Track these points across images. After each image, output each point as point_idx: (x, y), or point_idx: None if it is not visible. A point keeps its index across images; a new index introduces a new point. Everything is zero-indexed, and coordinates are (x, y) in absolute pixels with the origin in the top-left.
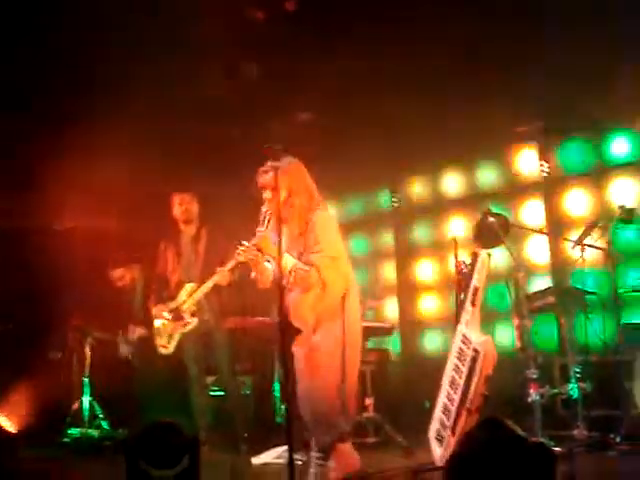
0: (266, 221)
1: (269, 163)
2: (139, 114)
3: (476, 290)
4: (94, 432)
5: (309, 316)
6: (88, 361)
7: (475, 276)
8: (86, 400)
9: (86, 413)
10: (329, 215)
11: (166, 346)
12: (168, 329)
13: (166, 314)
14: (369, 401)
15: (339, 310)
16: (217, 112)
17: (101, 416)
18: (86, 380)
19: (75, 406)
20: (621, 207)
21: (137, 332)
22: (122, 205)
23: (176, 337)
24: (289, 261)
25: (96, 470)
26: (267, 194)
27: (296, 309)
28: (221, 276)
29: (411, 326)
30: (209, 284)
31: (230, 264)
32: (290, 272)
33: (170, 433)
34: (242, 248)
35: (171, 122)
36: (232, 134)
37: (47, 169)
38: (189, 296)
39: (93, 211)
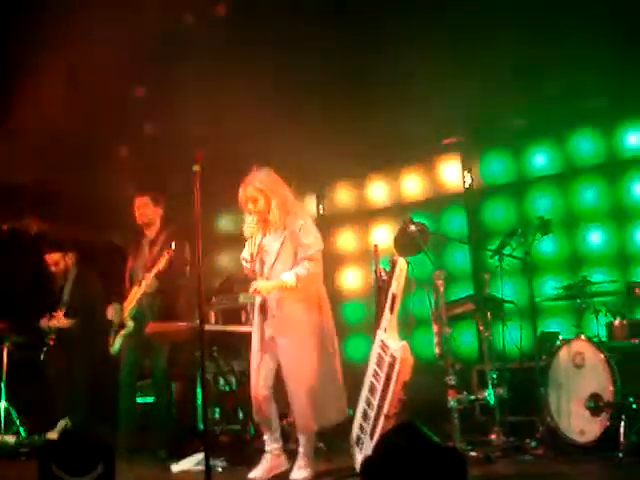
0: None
1: (247, 177)
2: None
3: (394, 297)
4: (10, 439)
5: (299, 307)
6: (4, 366)
7: (393, 283)
8: (2, 406)
9: (2, 419)
10: (307, 215)
11: (111, 345)
12: (115, 330)
13: (115, 315)
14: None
15: (321, 300)
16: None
17: (18, 422)
18: (2, 385)
19: None
20: (539, 218)
21: (61, 320)
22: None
23: (119, 339)
24: (289, 276)
25: (7, 476)
26: (250, 205)
27: (284, 301)
28: (148, 285)
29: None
30: (141, 290)
31: (154, 271)
32: (297, 280)
33: (85, 439)
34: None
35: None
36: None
37: None
38: (131, 299)
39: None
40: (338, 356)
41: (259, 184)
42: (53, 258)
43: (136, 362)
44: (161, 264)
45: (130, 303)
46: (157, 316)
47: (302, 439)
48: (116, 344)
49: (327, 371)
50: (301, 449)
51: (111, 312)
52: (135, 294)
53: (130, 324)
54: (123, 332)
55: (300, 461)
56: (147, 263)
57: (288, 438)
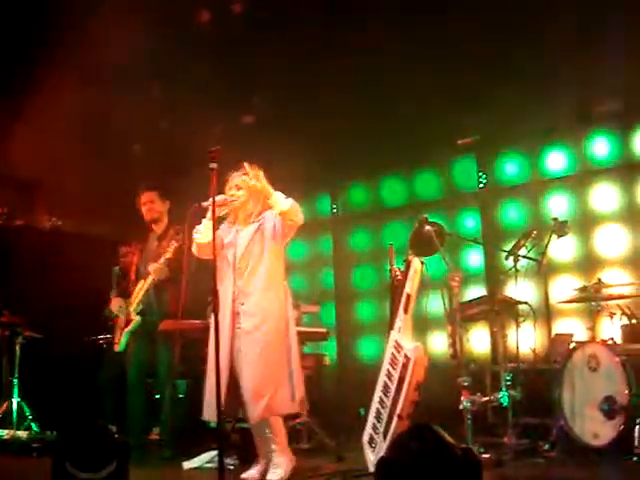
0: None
1: (241, 170)
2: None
3: (408, 297)
4: (23, 434)
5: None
6: (18, 361)
7: (408, 283)
8: (15, 401)
9: (15, 414)
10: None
11: (117, 343)
12: (120, 325)
13: (120, 310)
14: None
15: (285, 291)
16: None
17: (30, 417)
18: (15, 380)
19: (4, 407)
20: (555, 220)
21: (117, 303)
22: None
23: (125, 335)
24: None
25: (21, 472)
26: (232, 191)
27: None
28: (157, 272)
29: (348, 332)
30: (148, 281)
31: (163, 258)
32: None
33: (99, 436)
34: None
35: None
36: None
37: None
38: (137, 294)
39: (24, 208)
40: (296, 350)
41: (246, 176)
42: (124, 250)
43: (144, 359)
44: (169, 253)
45: (136, 297)
46: (164, 311)
47: (270, 433)
48: (122, 341)
49: (281, 362)
50: (273, 446)
51: (115, 306)
52: (140, 288)
53: (138, 319)
54: (129, 328)
55: (275, 459)
56: (157, 258)
57: (301, 437)
